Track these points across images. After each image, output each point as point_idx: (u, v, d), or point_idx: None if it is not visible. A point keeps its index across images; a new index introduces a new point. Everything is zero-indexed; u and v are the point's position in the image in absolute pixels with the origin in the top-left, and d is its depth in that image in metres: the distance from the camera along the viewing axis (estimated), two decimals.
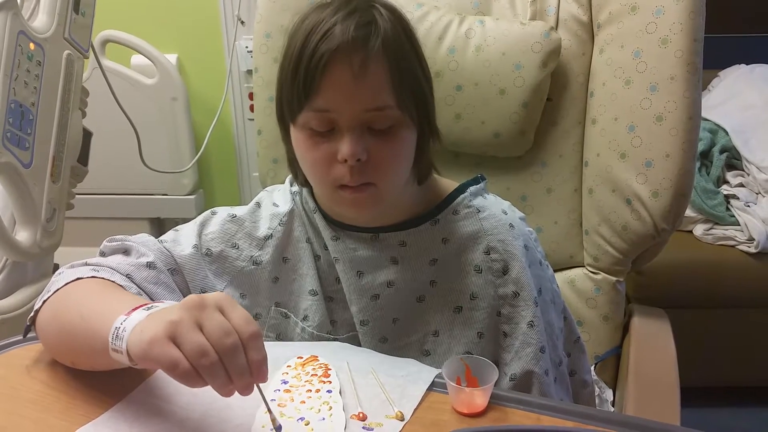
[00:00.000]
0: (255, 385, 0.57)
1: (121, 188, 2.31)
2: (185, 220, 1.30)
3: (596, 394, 1.11)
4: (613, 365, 1.24)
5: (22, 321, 1.29)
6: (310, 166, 0.78)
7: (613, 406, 1.16)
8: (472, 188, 0.86)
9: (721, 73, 2.19)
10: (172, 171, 2.16)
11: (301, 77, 0.71)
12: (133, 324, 0.57)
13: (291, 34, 0.76)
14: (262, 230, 0.87)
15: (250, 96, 2.32)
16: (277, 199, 0.89)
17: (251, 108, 2.34)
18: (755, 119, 1.94)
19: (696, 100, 1.06)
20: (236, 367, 0.54)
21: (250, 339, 0.55)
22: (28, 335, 0.78)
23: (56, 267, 1.49)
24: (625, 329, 1.24)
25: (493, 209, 0.85)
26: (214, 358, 0.53)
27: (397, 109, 0.73)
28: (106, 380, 0.69)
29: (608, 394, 1.19)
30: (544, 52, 1.12)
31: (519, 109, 1.14)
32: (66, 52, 1.35)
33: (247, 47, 2.20)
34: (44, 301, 0.73)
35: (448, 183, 0.88)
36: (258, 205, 0.89)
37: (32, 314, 0.74)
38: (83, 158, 1.47)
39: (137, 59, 2.21)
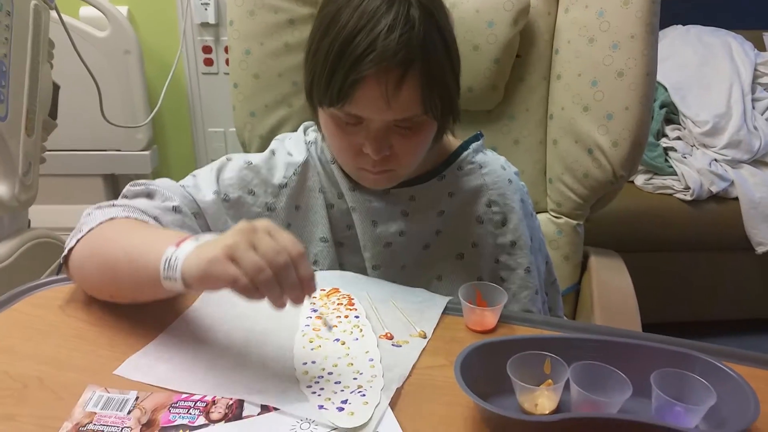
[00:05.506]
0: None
1: (74, 144, 2.25)
2: (138, 176, 1.28)
3: None
4: (572, 300, 1.36)
5: (4, 275, 1.30)
6: (336, 148, 0.84)
7: None
8: (473, 145, 0.93)
9: (660, 33, 2.32)
10: (131, 126, 2.13)
11: (336, 86, 0.73)
12: (185, 253, 0.62)
13: (331, 9, 0.75)
14: (277, 178, 0.91)
15: (204, 49, 2.29)
16: (291, 147, 0.94)
17: (205, 61, 2.32)
18: (691, 77, 2.09)
19: (653, 58, 1.16)
20: (289, 281, 0.60)
21: (298, 257, 0.61)
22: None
23: (30, 222, 1.48)
24: (582, 268, 1.37)
25: (493, 165, 0.93)
26: (270, 274, 0.58)
27: (423, 115, 0.77)
28: (143, 316, 0.73)
29: None
30: (515, 10, 1.19)
31: (491, 65, 1.22)
32: (33, 2, 1.32)
33: None
34: (78, 240, 0.75)
35: (451, 140, 0.94)
36: (273, 153, 0.93)
37: (65, 252, 0.76)
38: (53, 112, 1.45)
39: (86, 11, 2.15)
